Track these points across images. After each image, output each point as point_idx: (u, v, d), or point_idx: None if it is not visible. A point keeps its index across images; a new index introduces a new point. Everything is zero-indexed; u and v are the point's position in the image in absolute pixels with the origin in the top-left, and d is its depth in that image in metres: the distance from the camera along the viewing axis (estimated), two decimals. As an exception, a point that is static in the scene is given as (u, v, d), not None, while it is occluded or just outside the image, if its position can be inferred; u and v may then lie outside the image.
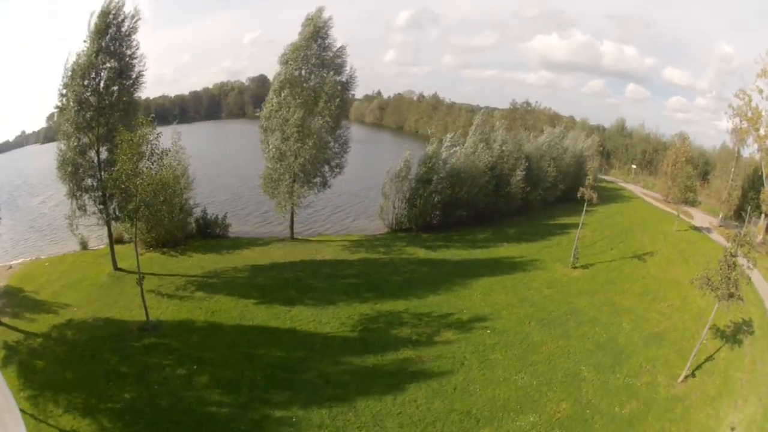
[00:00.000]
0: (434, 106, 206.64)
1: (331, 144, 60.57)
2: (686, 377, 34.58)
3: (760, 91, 70.45)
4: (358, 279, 48.70)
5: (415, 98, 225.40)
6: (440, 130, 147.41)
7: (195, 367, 32.91)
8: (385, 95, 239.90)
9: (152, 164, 36.14)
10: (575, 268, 54.23)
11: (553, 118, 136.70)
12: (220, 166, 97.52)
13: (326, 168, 60.96)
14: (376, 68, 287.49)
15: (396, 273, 51.19)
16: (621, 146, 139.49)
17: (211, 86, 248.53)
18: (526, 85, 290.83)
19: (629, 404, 31.67)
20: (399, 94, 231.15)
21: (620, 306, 45.94)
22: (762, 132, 71.25)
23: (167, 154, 39.15)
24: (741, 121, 74.47)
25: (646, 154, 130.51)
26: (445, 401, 30.74)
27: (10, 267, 49.26)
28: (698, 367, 35.82)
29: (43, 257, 52.50)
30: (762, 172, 72.19)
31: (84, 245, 54.22)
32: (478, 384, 32.59)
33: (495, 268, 53.64)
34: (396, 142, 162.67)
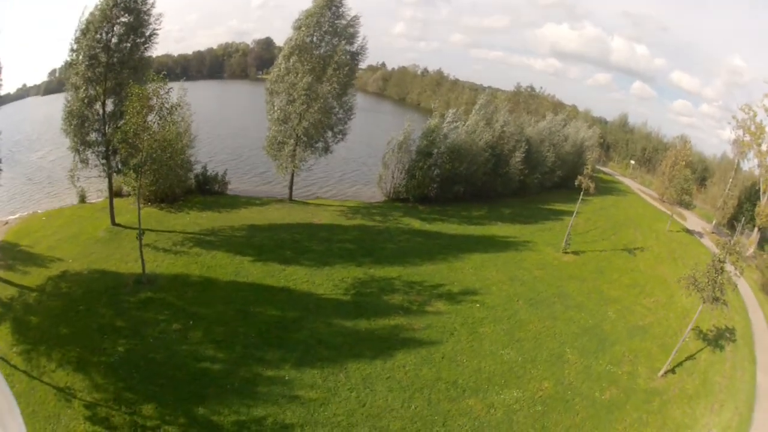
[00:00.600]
0: (438, 81, 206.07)
1: (336, 110, 60.64)
2: (666, 372, 35.50)
3: (767, 110, 70.89)
4: (353, 244, 49.16)
5: (419, 72, 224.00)
6: (443, 105, 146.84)
7: (190, 322, 33.42)
8: (390, 67, 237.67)
9: (160, 119, 36.25)
10: (566, 253, 54.85)
11: (556, 106, 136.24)
12: (219, 125, 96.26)
13: (329, 133, 61.32)
14: (383, 39, 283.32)
15: (391, 241, 51.67)
16: (621, 141, 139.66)
17: (215, 47, 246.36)
18: (534, 71, 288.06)
19: (609, 390, 32.60)
20: (403, 66, 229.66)
21: (607, 295, 46.68)
22: (764, 148, 71.78)
23: (176, 110, 39.05)
24: (744, 134, 74.81)
25: (646, 151, 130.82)
26: (432, 369, 31.54)
27: (7, 223, 49.00)
28: (679, 364, 36.74)
29: (40, 211, 52.28)
30: (759, 187, 72.65)
31: (82, 198, 54.36)
32: (465, 355, 33.38)
33: (488, 245, 54.22)
34: (397, 113, 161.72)
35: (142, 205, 50.08)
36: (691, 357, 38.11)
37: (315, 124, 57.42)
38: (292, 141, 58.49)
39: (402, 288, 41.19)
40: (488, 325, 37.40)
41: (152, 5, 45.24)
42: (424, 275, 43.94)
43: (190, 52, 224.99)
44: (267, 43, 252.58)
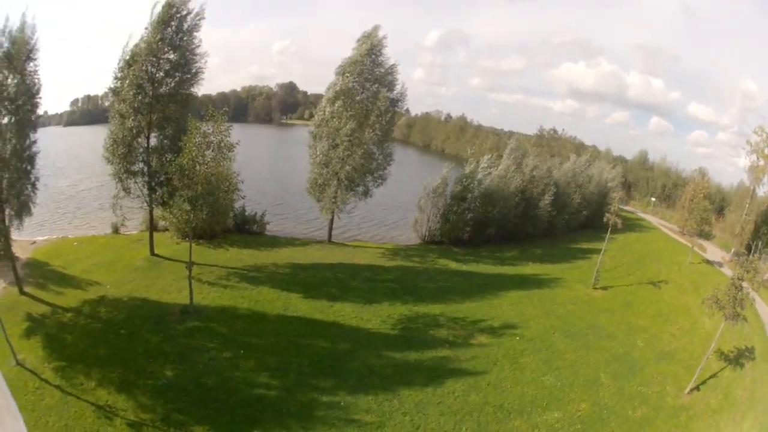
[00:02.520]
0: (462, 127, 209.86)
1: (376, 155, 63.48)
2: (692, 390, 38.62)
3: None
4: (395, 283, 52.37)
5: (442, 118, 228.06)
6: (466, 151, 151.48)
7: (241, 351, 35.29)
8: (413, 113, 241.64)
9: (217, 155, 37.90)
10: (596, 288, 58.35)
11: (578, 147, 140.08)
12: (251, 168, 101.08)
13: (369, 178, 64.11)
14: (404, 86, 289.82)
15: (430, 281, 55.11)
16: (642, 179, 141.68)
17: (239, 89, 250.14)
18: (552, 113, 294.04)
19: (641, 409, 35.77)
20: (427, 113, 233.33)
21: (635, 325, 49.97)
22: None
23: (233, 148, 39.45)
24: (758, 158, 76.16)
25: (666, 188, 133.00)
26: (480, 395, 34.49)
27: (34, 242, 50.15)
28: (703, 382, 39.67)
29: (71, 236, 53.98)
30: None
31: (116, 229, 55.68)
32: (509, 382, 36.61)
33: (522, 283, 57.80)
34: (423, 160, 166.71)
35: (179, 240, 55.39)
36: (714, 375, 40.89)
37: (357, 169, 60.77)
38: (334, 183, 61.41)
39: (446, 323, 44.38)
40: (528, 356, 40.75)
41: (198, 44, 47.40)
42: (466, 311, 47.26)
43: (213, 93, 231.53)
44: (290, 88, 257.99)
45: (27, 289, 39.66)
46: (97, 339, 34.14)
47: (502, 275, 60.80)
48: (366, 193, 65.16)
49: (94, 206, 65.13)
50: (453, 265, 62.26)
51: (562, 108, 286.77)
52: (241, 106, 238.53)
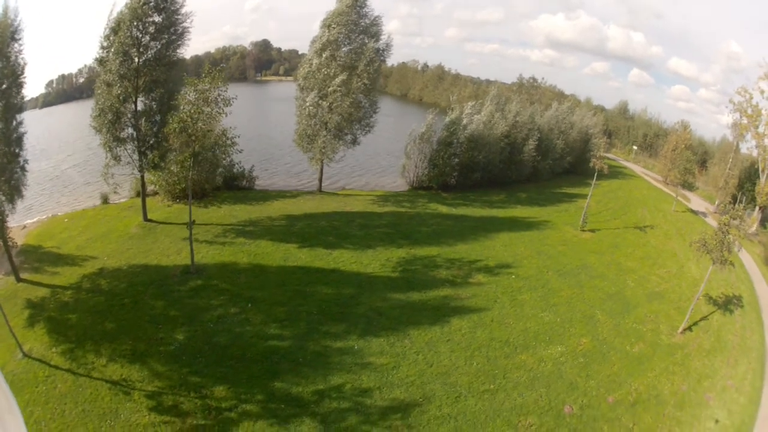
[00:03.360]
0: (439, 76, 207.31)
1: (363, 104, 63.78)
2: (684, 330, 40.00)
3: (762, 92, 73.82)
4: (390, 228, 52.97)
5: (419, 68, 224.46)
6: (445, 99, 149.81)
7: (248, 305, 35.32)
8: (388, 63, 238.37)
9: (212, 110, 37.48)
10: (584, 230, 59.63)
11: (558, 96, 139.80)
12: (233, 125, 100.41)
13: (357, 126, 64.66)
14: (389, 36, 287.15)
15: (424, 225, 55.71)
16: (623, 128, 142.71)
17: (213, 51, 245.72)
18: (530, 62, 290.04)
19: (638, 345, 37.08)
20: (403, 62, 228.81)
21: (625, 266, 51.22)
22: (761, 129, 74.72)
23: (230, 103, 38.82)
24: (741, 117, 77.53)
25: (647, 137, 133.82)
26: (485, 331, 35.53)
27: (24, 227, 48.42)
28: (695, 323, 41.23)
29: (60, 214, 52.63)
30: (758, 166, 75.62)
31: (105, 199, 54.92)
32: (511, 318, 37.67)
33: (512, 225, 58.76)
34: (402, 109, 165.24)
35: (170, 203, 54.96)
36: (704, 318, 42.51)
37: (346, 118, 61.00)
38: (323, 133, 61.50)
39: (444, 264, 45.14)
40: (526, 293, 41.75)
41: (182, 4, 45.94)
42: (461, 253, 48.05)
43: (187, 56, 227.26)
44: (264, 45, 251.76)
45: (24, 275, 38.33)
46: (101, 313, 33.42)
47: (492, 218, 61.58)
48: (354, 141, 65.90)
49: (80, 182, 63.60)
50: (443, 209, 62.84)
51: (539, 57, 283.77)
52: (199, 75, 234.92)
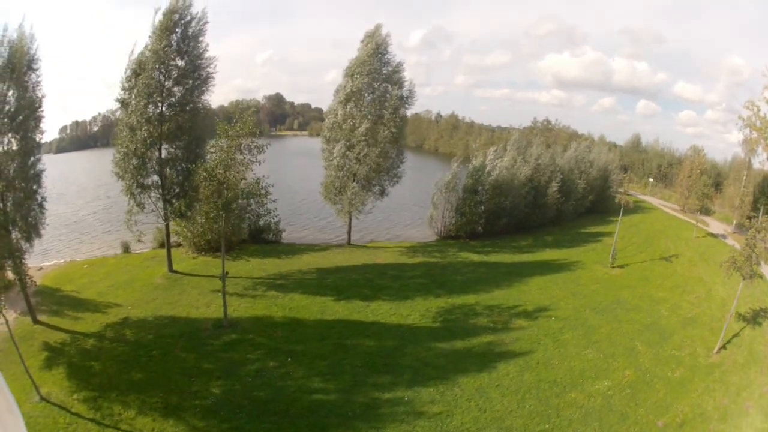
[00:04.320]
0: (453, 125, 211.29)
1: (391, 153, 64.18)
2: (719, 349, 41.96)
3: None
4: (424, 279, 54.12)
5: (432, 117, 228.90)
6: (461, 148, 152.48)
7: (288, 359, 35.08)
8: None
9: (245, 158, 37.02)
10: (613, 267, 61.64)
11: (572, 136, 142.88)
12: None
13: (385, 177, 65.11)
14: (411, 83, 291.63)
15: (457, 273, 57.34)
16: (637, 161, 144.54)
17: (226, 104, 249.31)
18: (539, 104, 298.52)
19: (678, 370, 38.82)
20: (416, 113, 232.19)
21: (657, 297, 53.14)
22: None
23: (264, 151, 38.55)
24: (750, 131, 78.70)
25: (662, 168, 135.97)
26: (532, 373, 36.66)
27: (41, 268, 47.93)
28: (728, 342, 43.06)
29: (79, 259, 52.77)
30: None
31: (126, 248, 55.13)
32: (555, 359, 39.13)
33: (544, 269, 60.64)
34: (421, 160, 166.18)
35: (195, 255, 54.93)
36: (736, 335, 44.35)
37: (374, 168, 62.11)
38: (352, 185, 62.05)
39: (483, 311, 46.52)
40: (567, 333, 43.54)
41: (205, 49, 46.05)
42: (499, 299, 49.66)
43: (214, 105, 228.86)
44: (278, 99, 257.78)
45: (40, 317, 37.83)
46: (127, 363, 32.79)
47: (523, 263, 63.45)
48: (382, 193, 66.14)
49: (99, 230, 64.88)
50: (474, 257, 64.57)
51: (548, 99, 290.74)
52: (230, 121, 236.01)
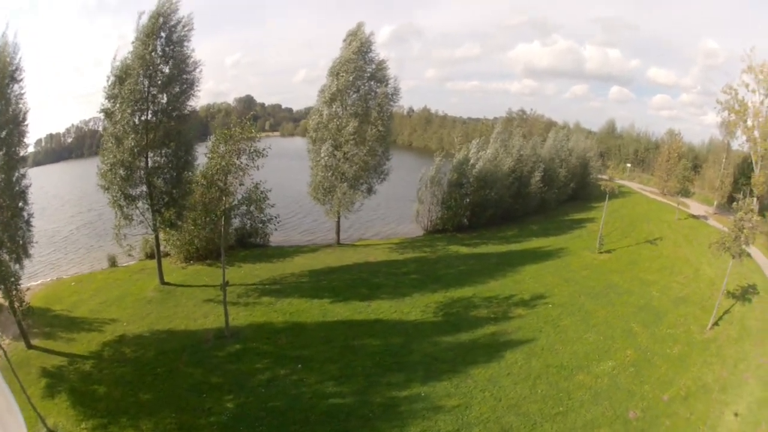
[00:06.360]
0: (427, 119, 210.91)
1: (378, 151, 63.85)
2: (713, 326, 43.84)
3: (747, 86, 76.91)
4: (418, 275, 54.28)
5: (405, 112, 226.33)
6: (435, 142, 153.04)
7: (298, 366, 34.45)
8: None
9: (244, 164, 35.83)
10: (601, 253, 63.17)
11: (548, 125, 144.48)
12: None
13: (373, 174, 64.78)
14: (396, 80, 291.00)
15: (450, 267, 57.73)
16: (613, 147, 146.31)
17: (198, 108, 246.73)
18: (510, 94, 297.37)
19: (676, 347, 40.41)
20: None
21: (646, 279, 54.81)
22: (749, 123, 77.74)
23: (265, 154, 37.19)
24: (729, 114, 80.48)
25: (638, 153, 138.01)
26: (539, 360, 37.50)
27: (28, 288, 41.91)
28: (720, 318, 44.98)
29: (65, 277, 50.79)
30: (751, 159, 79.06)
31: (113, 262, 53.28)
32: (558, 344, 40.08)
33: (534, 257, 61.78)
34: (398, 155, 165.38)
35: (184, 265, 53.28)
36: (727, 311, 46.34)
37: (362, 167, 61.79)
38: (343, 185, 61.50)
39: (482, 303, 47.00)
40: (566, 319, 44.51)
41: (190, 55, 44.42)
42: (495, 290, 50.31)
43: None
44: (248, 101, 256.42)
45: (33, 341, 35.77)
46: (132, 384, 31.44)
47: (513, 252, 64.50)
48: (370, 191, 65.67)
49: (85, 245, 62.85)
50: (464, 249, 65.21)
51: (519, 88, 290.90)
52: (202, 126, 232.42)
